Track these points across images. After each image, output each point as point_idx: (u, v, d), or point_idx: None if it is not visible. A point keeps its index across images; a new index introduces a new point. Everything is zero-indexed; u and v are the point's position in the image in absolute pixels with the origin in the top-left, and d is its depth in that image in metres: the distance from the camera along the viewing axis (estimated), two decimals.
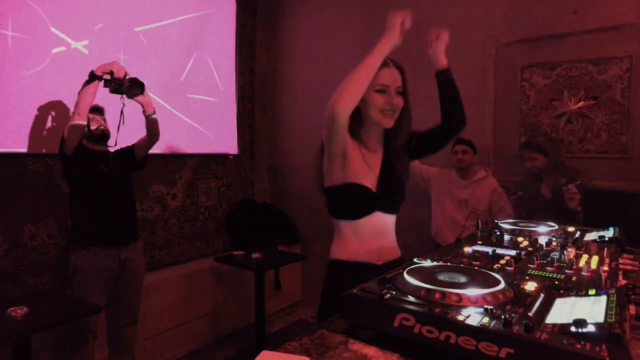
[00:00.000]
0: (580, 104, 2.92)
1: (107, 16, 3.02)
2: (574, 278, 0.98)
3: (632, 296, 0.94)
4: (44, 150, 2.70)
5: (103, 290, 2.35)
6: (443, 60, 1.51)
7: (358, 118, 1.45)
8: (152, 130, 2.50)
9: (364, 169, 1.46)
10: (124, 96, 2.34)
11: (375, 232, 1.48)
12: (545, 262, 1.10)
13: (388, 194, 1.48)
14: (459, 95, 1.53)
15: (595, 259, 1.13)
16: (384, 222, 1.49)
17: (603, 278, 0.93)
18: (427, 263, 1.09)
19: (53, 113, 2.73)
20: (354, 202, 1.45)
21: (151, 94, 2.53)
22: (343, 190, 1.44)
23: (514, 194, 2.77)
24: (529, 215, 2.62)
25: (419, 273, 0.94)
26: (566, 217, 2.42)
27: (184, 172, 3.67)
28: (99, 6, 2.98)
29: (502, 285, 0.88)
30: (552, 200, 2.56)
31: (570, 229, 1.57)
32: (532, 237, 1.38)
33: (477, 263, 1.11)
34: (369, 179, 1.46)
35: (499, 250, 1.19)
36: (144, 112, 2.45)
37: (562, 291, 0.89)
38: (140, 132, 2.54)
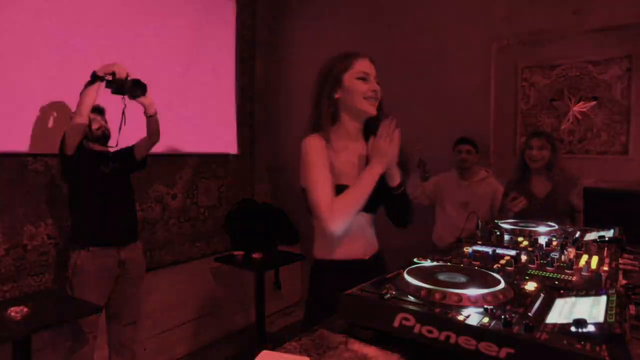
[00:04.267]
0: (580, 104, 2.92)
1: (107, 16, 3.02)
2: (574, 278, 0.98)
3: (632, 296, 0.94)
4: (44, 151, 2.70)
5: (103, 290, 2.35)
6: (397, 177, 1.49)
7: (335, 114, 1.49)
8: (153, 131, 2.50)
9: (348, 166, 1.47)
10: (126, 97, 2.34)
11: (359, 230, 1.50)
12: (545, 262, 1.10)
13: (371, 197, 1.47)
14: (410, 203, 1.57)
15: (595, 259, 1.13)
16: (363, 219, 1.51)
17: (603, 278, 0.93)
18: (427, 263, 1.09)
19: (54, 113, 2.74)
20: None
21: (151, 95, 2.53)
22: None
23: (507, 195, 2.70)
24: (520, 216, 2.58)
25: (419, 273, 0.94)
26: (559, 218, 2.40)
27: (184, 172, 3.67)
28: (99, 6, 2.98)
29: (502, 285, 0.88)
30: (545, 200, 2.53)
31: (570, 229, 1.57)
32: (532, 237, 1.38)
33: (477, 263, 1.11)
34: (353, 176, 1.44)
35: (499, 250, 1.19)
36: (145, 113, 2.46)
37: (562, 291, 0.89)
38: (141, 133, 2.54)
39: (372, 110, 1.47)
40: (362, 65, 1.45)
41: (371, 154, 1.40)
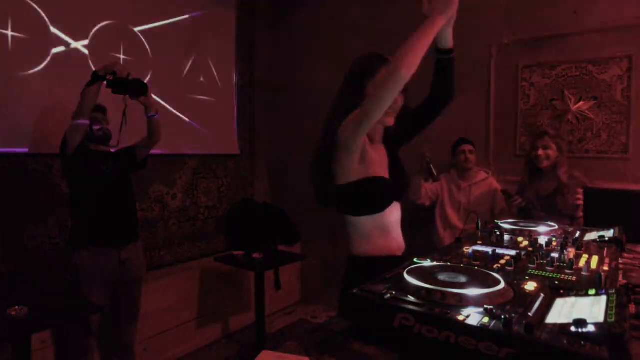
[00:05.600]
0: (580, 104, 2.92)
1: (107, 16, 3.02)
2: (574, 278, 0.98)
3: (632, 296, 0.94)
4: (44, 151, 2.70)
5: (103, 290, 2.35)
6: (451, 38, 1.47)
7: None
8: (154, 131, 2.50)
9: (378, 161, 1.48)
10: (127, 97, 2.34)
11: (396, 223, 1.52)
12: (545, 262, 1.10)
13: (400, 182, 1.53)
14: (454, 72, 1.53)
15: (595, 259, 1.13)
16: (398, 212, 1.53)
17: (603, 278, 0.93)
18: (427, 263, 1.09)
19: (54, 113, 2.73)
20: (377, 195, 1.46)
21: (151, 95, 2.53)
22: (365, 185, 1.44)
23: (510, 196, 2.69)
24: (523, 215, 2.58)
25: (419, 273, 0.94)
26: (562, 217, 2.41)
27: (184, 172, 3.67)
28: (99, 6, 2.98)
29: (502, 285, 0.88)
30: (547, 200, 2.54)
31: (570, 229, 1.57)
32: (532, 237, 1.38)
33: (477, 263, 1.11)
34: (384, 170, 1.48)
35: (499, 250, 1.19)
36: (146, 112, 2.46)
37: (562, 291, 0.89)
38: (142, 133, 2.54)
39: (390, 122, 1.48)
40: None
41: (430, 8, 1.33)
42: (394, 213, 1.50)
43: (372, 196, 1.46)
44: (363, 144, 1.42)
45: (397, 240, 1.52)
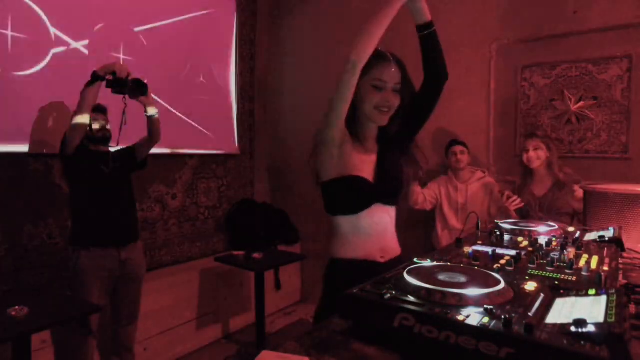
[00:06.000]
0: (580, 104, 2.92)
1: (107, 16, 3.02)
2: (574, 278, 0.98)
3: (632, 296, 0.94)
4: (44, 151, 2.70)
5: (103, 290, 2.35)
6: (427, 10, 1.43)
7: (352, 114, 1.39)
8: (154, 130, 2.50)
9: (360, 160, 1.41)
10: (127, 96, 2.34)
11: (377, 227, 1.42)
12: (545, 262, 1.10)
13: (387, 184, 1.43)
14: (441, 48, 1.46)
15: (595, 259, 1.13)
16: (384, 216, 1.44)
17: (603, 278, 0.93)
18: (427, 263, 1.09)
19: (54, 113, 2.74)
20: (352, 195, 1.38)
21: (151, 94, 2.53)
22: (340, 184, 1.38)
23: (509, 197, 2.69)
24: (522, 216, 2.60)
25: (419, 273, 0.94)
26: (560, 216, 2.43)
27: (184, 172, 3.67)
28: (99, 6, 2.98)
29: (502, 285, 0.88)
30: (543, 199, 2.57)
31: (570, 229, 1.57)
32: (532, 237, 1.38)
33: (477, 263, 1.11)
34: (366, 171, 1.40)
35: (499, 250, 1.19)
36: (146, 112, 2.46)
37: (562, 291, 0.89)
38: (141, 132, 2.54)
39: (381, 122, 1.41)
40: (381, 72, 1.36)
41: None
42: (376, 216, 1.41)
43: (346, 195, 1.39)
44: (342, 141, 1.37)
45: (379, 245, 1.42)
